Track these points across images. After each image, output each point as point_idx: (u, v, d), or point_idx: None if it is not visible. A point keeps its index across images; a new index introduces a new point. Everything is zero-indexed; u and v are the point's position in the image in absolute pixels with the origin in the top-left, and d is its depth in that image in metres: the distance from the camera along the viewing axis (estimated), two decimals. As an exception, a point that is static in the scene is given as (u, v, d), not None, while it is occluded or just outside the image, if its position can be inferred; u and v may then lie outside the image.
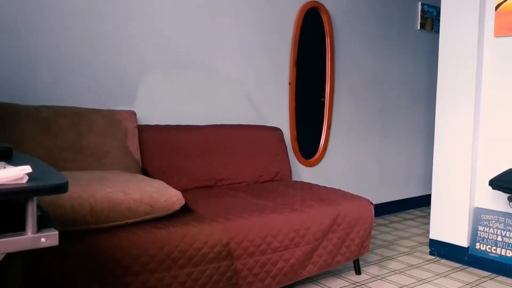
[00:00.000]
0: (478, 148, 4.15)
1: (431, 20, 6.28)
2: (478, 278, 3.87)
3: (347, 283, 3.66)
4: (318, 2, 5.01)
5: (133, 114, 3.60)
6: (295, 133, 4.95)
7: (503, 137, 4.00)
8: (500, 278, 3.88)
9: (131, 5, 3.81)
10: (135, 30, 3.85)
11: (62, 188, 1.35)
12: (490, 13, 4.03)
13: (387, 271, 3.95)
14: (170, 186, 2.87)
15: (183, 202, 2.83)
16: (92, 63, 3.66)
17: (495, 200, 4.05)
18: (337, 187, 4.83)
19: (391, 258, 4.30)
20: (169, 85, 4.06)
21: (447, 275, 3.91)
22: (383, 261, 4.19)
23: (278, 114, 4.81)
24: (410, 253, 4.45)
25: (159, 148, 3.72)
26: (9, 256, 1.38)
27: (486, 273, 3.97)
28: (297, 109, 4.96)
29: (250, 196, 3.57)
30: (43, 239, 1.36)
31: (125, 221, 2.59)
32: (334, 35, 5.18)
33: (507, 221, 3.96)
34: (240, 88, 4.50)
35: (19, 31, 3.33)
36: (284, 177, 4.36)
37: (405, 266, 4.09)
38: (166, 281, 2.64)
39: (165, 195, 2.74)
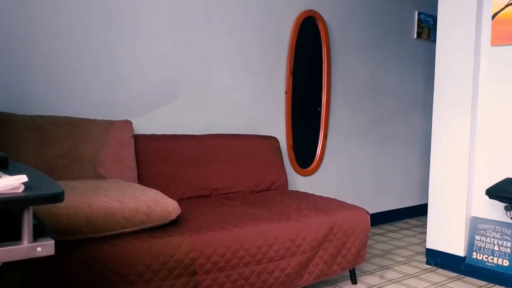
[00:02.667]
0: (475, 157, 4.16)
1: (427, 29, 6.30)
2: (475, 287, 3.86)
3: (344, 293, 3.66)
4: (314, 11, 5.02)
5: (128, 123, 3.60)
6: (291, 142, 4.94)
7: (500, 146, 4.01)
8: (497, 287, 3.87)
9: (127, 16, 3.81)
10: (131, 41, 3.85)
11: (58, 197, 1.35)
12: (487, 22, 4.05)
13: (383, 280, 3.95)
14: (166, 196, 2.86)
15: (179, 211, 2.83)
16: (88, 74, 3.65)
17: (492, 210, 4.05)
18: (333, 197, 4.82)
19: (388, 267, 4.29)
20: (165, 95, 4.06)
21: (443, 284, 3.90)
22: (379, 271, 4.18)
23: (275, 123, 4.81)
24: (407, 263, 4.44)
25: (155, 157, 3.71)
26: (5, 265, 1.37)
27: (483, 283, 3.96)
28: (294, 118, 4.96)
29: (246, 206, 3.56)
30: (39, 249, 1.36)
31: (121, 231, 2.59)
32: (330, 44, 5.19)
33: (504, 230, 3.96)
34: (236, 97, 4.50)
35: (14, 42, 3.32)
36: (280, 186, 4.36)
37: (402, 275, 4.09)
38: (162, 291, 2.64)
39: (161, 204, 2.74)
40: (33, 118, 3.20)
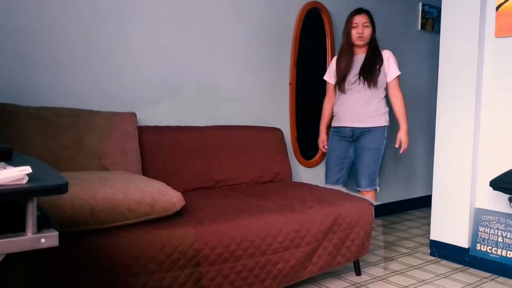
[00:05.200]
0: (479, 148, 4.15)
1: (432, 20, 6.28)
2: (479, 279, 3.86)
3: (347, 284, 3.65)
4: (318, 3, 5.01)
5: (133, 115, 3.60)
6: (295, 134, 4.94)
7: (504, 138, 3.99)
8: (501, 279, 3.87)
9: (131, 9, 3.81)
10: (135, 32, 3.84)
11: (62, 188, 1.35)
12: (491, 13, 4.03)
13: (387, 272, 3.95)
14: (170, 187, 2.87)
15: (183, 203, 2.83)
16: (93, 66, 3.65)
17: (496, 201, 4.05)
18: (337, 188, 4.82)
19: (392, 259, 4.29)
20: (169, 87, 4.05)
21: (447, 276, 3.90)
22: (383, 262, 4.19)
23: (279, 114, 4.81)
24: (411, 254, 4.45)
25: (159, 149, 3.72)
26: (9, 256, 1.37)
27: (487, 274, 3.96)
28: (298, 110, 4.96)
29: (250, 197, 3.56)
30: (43, 240, 1.36)
31: (125, 222, 2.59)
32: (334, 36, 5.18)
33: (508, 222, 3.95)
34: (240, 89, 4.50)
35: (19, 33, 3.32)
36: (284, 178, 4.35)
37: (406, 267, 4.09)
38: (166, 282, 2.64)
39: (165, 196, 2.74)
40: (37, 109, 3.21)
